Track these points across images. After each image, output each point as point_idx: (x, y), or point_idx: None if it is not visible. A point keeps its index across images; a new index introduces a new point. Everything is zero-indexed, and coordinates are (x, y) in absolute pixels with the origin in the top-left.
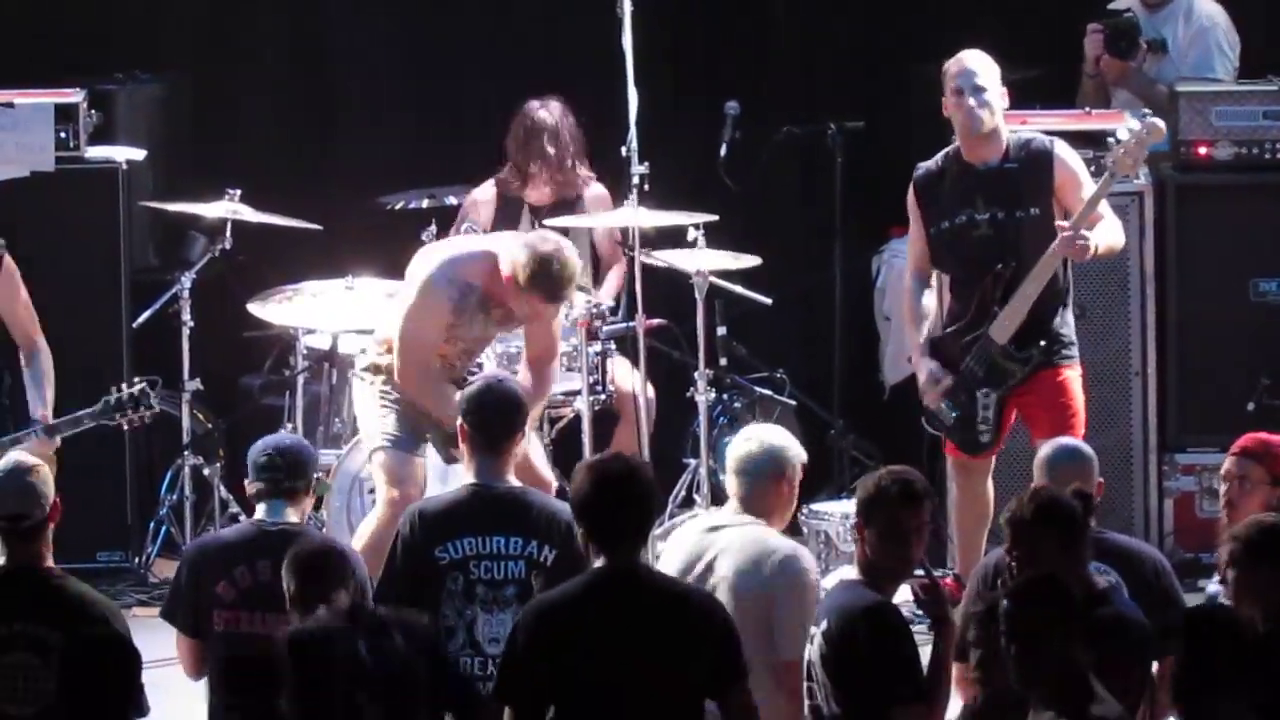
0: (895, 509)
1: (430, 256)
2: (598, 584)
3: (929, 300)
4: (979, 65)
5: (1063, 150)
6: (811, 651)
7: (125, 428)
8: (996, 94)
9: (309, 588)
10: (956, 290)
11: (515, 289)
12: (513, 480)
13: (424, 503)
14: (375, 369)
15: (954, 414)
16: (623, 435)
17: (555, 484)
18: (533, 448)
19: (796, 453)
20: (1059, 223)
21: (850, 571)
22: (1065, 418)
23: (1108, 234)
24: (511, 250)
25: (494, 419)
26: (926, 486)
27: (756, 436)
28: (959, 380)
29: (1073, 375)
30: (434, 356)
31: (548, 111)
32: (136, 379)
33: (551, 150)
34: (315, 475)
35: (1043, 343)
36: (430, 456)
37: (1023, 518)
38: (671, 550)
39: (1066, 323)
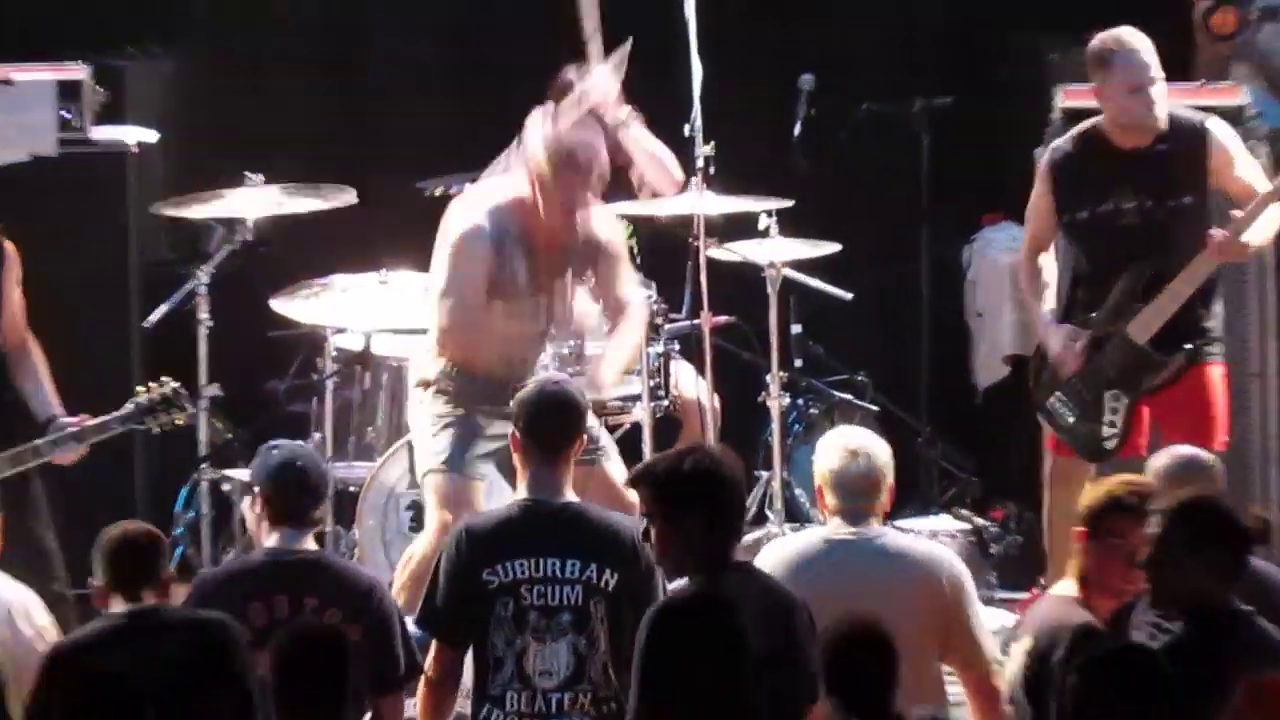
0: (1127, 521)
1: (458, 207)
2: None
3: (1048, 270)
4: (1148, 50)
5: (1216, 127)
6: (1012, 670)
7: (156, 431)
8: (1162, 79)
9: (121, 578)
10: (1087, 278)
11: (547, 190)
12: (570, 494)
13: (472, 519)
14: (425, 384)
15: (1072, 416)
16: (687, 443)
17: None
18: (612, 463)
19: (890, 465)
20: (1212, 232)
21: (1065, 587)
22: (1205, 421)
23: (1267, 229)
24: (530, 157)
25: (549, 424)
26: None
27: (854, 444)
28: (1083, 378)
29: (1218, 373)
30: (482, 329)
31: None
32: (164, 378)
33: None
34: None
35: (1188, 345)
36: (493, 475)
37: (1172, 535)
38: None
39: (1214, 315)
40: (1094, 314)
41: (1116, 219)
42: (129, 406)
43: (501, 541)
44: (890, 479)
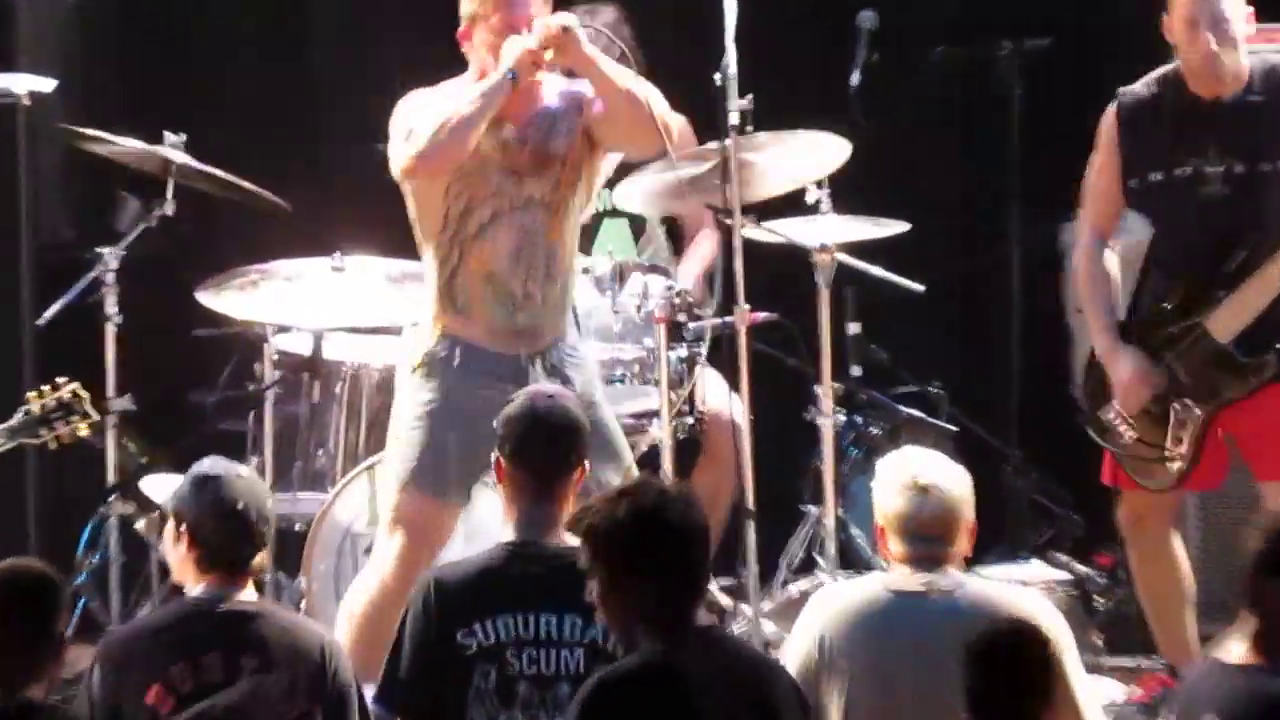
0: None
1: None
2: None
3: (1112, 266)
4: None
5: None
6: None
7: (53, 446)
8: (1241, 19)
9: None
10: (1160, 261)
11: (484, 32)
12: (568, 538)
13: (444, 568)
14: (414, 367)
15: (1131, 432)
16: (712, 471)
17: None
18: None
19: (968, 500)
20: None
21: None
22: None
23: None
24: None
25: (541, 448)
26: None
27: (924, 476)
28: None
29: None
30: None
31: (602, 21)
32: (61, 379)
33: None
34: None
35: None
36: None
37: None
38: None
39: None
40: (1165, 304)
41: (1198, 186)
42: (17, 416)
43: (483, 594)
44: (970, 517)
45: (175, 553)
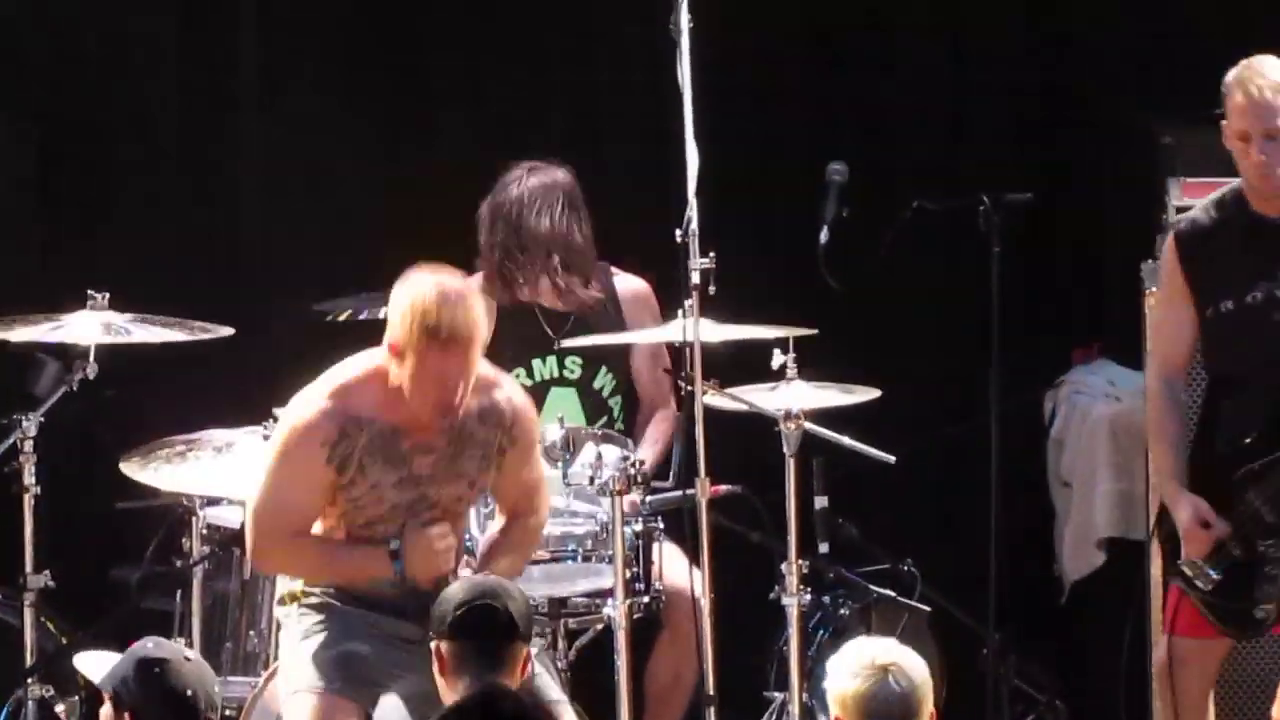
0: None
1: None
2: None
3: (1178, 410)
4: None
5: None
6: None
7: None
8: None
9: None
10: (1235, 395)
11: (406, 365)
12: None
13: None
14: (290, 598)
15: (1215, 575)
16: (673, 653)
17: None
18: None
19: (929, 685)
20: None
21: None
22: None
23: None
24: (389, 327)
25: (486, 623)
26: None
27: (882, 658)
28: (1234, 527)
29: None
30: (323, 528)
31: (532, 186)
32: None
33: (553, 256)
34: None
35: None
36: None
37: None
38: None
39: None
40: (1246, 437)
41: (1272, 311)
42: None
43: None
44: (930, 704)
45: None
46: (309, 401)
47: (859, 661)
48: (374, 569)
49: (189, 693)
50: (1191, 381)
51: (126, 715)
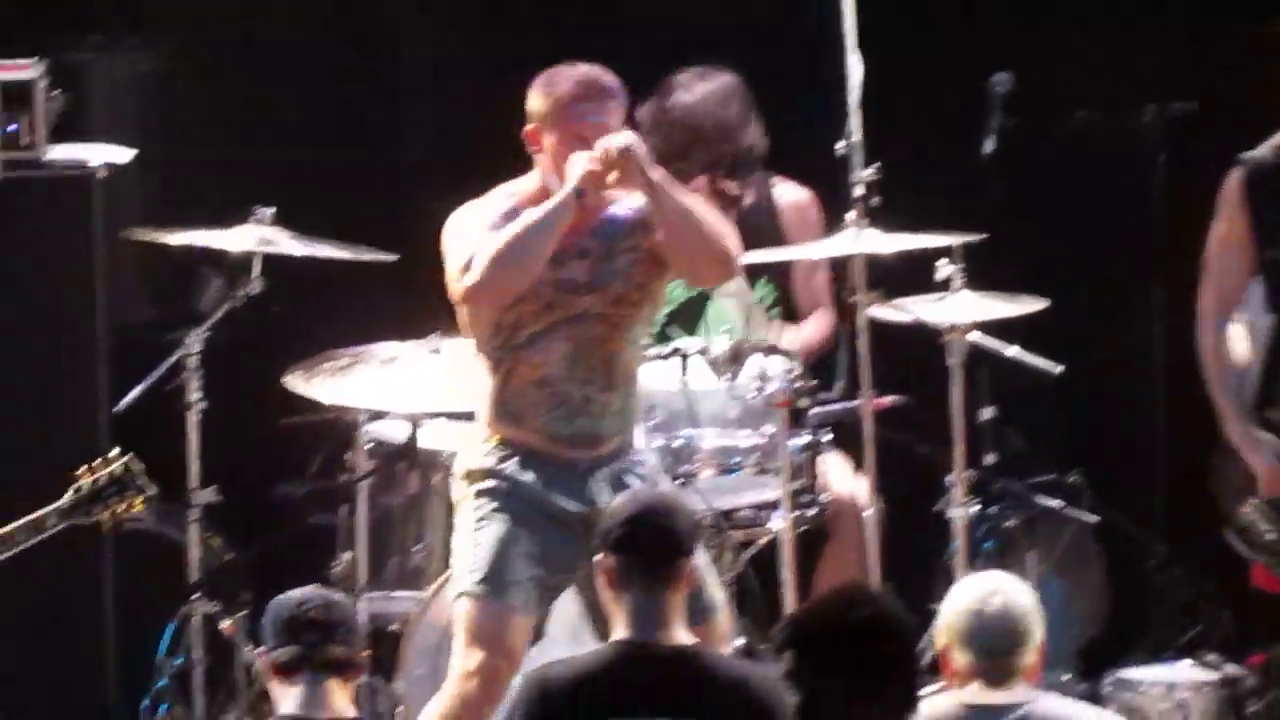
0: None
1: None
2: None
3: (1238, 342)
4: None
5: None
6: None
7: (108, 527)
8: None
9: None
10: None
11: (549, 137)
12: (683, 634)
13: (548, 670)
14: (467, 476)
15: (1275, 531)
16: (836, 565)
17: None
18: (719, 621)
19: (1038, 617)
20: None
21: None
22: None
23: None
24: (528, 118)
25: (652, 538)
26: None
27: (989, 589)
28: None
29: None
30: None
31: (704, 91)
32: (113, 453)
33: (705, 153)
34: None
35: None
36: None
37: None
38: None
39: None
40: None
41: None
42: (67, 496)
43: (591, 697)
44: (1040, 634)
45: (272, 682)
46: (476, 201)
47: (966, 594)
48: (557, 201)
49: (303, 603)
50: None
51: (267, 658)
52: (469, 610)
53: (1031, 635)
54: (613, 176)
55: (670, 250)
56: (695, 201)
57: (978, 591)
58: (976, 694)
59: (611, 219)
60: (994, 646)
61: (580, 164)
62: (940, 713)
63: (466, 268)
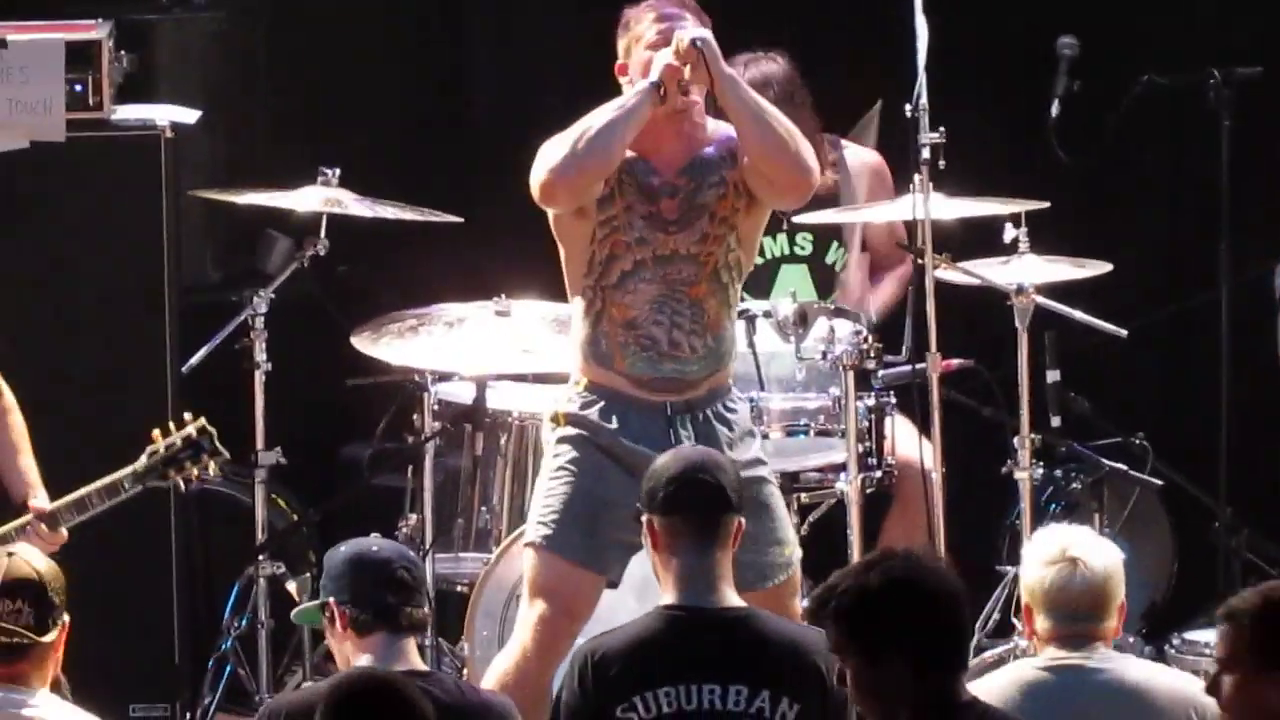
0: None
1: None
2: None
3: None
4: None
5: None
6: None
7: (183, 489)
8: None
9: None
10: None
11: (635, 56)
12: (733, 595)
13: (601, 639)
14: (553, 420)
15: None
16: (901, 528)
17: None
18: (787, 587)
19: (1120, 577)
20: None
21: None
22: None
23: None
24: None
25: (699, 496)
26: None
27: (1072, 549)
28: None
29: None
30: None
31: (772, 62)
32: (187, 415)
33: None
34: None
35: None
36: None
37: None
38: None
39: None
40: None
41: None
42: (142, 459)
43: (642, 665)
44: (1121, 594)
45: (333, 640)
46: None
47: (1049, 552)
48: (636, 91)
49: (374, 549)
50: None
51: (334, 610)
52: (533, 562)
53: (1114, 599)
54: (688, 71)
55: (748, 157)
56: (771, 107)
57: (1064, 550)
58: (1057, 655)
59: (702, 157)
60: (1078, 612)
61: (661, 60)
62: (1022, 676)
63: (551, 146)
